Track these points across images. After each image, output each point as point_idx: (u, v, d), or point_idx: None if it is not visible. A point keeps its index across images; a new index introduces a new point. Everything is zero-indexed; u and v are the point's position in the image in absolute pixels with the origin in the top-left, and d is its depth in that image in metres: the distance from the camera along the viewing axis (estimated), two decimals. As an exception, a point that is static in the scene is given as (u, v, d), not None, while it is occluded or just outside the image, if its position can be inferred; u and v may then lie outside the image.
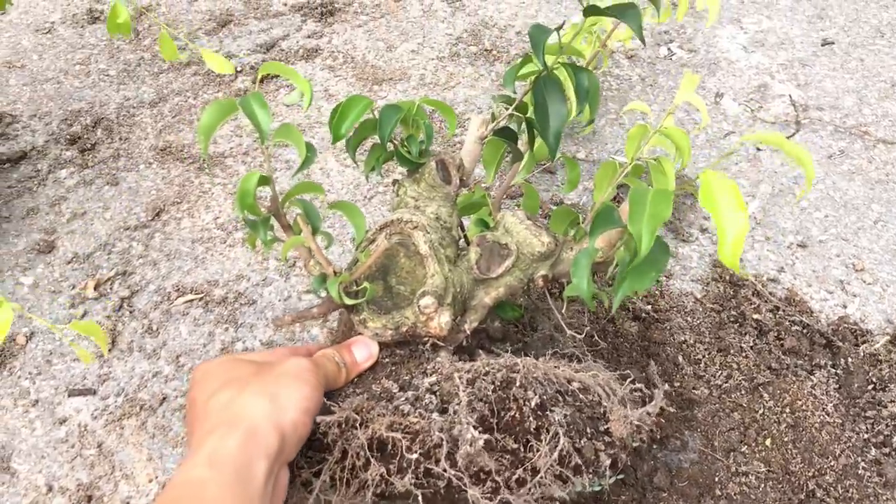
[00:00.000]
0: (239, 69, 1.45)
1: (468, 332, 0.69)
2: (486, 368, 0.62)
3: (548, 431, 0.59)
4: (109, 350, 0.98)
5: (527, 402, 0.60)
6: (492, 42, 1.54)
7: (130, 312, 1.02)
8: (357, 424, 0.59)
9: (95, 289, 1.05)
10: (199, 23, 1.54)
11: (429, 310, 0.64)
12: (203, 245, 1.11)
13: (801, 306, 1.01)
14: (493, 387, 0.60)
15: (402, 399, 0.62)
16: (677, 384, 0.91)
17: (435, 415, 0.59)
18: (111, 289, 1.05)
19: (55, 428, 0.90)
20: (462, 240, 0.79)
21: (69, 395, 0.93)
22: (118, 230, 1.14)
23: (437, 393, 0.62)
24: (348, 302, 0.66)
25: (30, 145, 1.28)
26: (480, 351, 0.70)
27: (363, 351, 0.68)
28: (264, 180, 0.65)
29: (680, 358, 0.94)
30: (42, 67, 1.46)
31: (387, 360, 0.68)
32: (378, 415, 0.60)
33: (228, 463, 0.52)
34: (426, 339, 0.66)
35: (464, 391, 0.59)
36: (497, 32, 1.57)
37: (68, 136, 1.29)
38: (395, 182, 0.73)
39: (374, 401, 0.62)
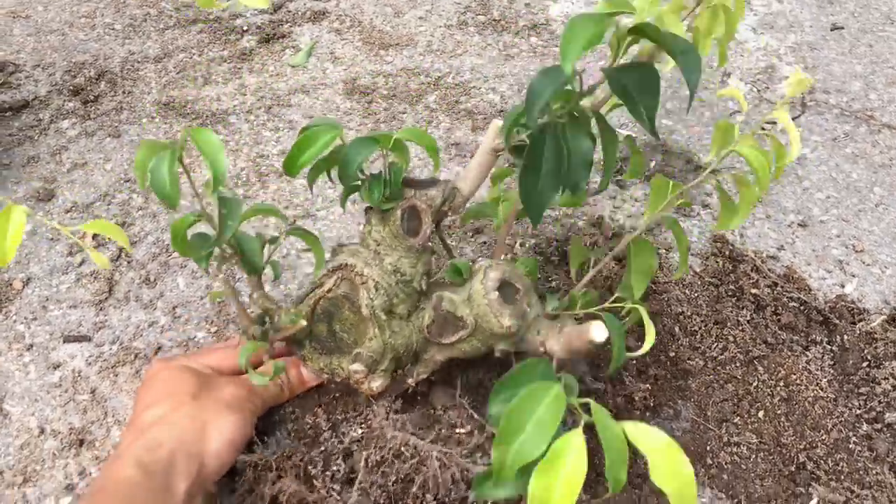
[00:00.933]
0: (245, 28, 1.44)
1: (413, 384, 0.69)
2: (400, 450, 0.63)
3: None
4: (106, 299, 0.97)
5: None
6: (500, 12, 1.53)
7: (128, 263, 1.02)
8: (270, 470, 0.65)
9: (94, 238, 1.04)
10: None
11: (358, 375, 0.64)
12: (204, 199, 1.11)
13: (799, 283, 1.01)
14: (394, 478, 0.63)
15: (319, 451, 0.67)
16: (672, 354, 0.91)
17: (336, 486, 0.64)
18: (110, 238, 1.05)
19: (49, 372, 0.90)
20: (441, 267, 0.75)
21: (64, 341, 0.93)
22: (119, 182, 1.13)
23: (351, 457, 0.67)
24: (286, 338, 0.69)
25: (32, 94, 1.27)
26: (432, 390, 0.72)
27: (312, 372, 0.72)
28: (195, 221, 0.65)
29: (676, 329, 0.94)
30: (47, 19, 1.45)
31: (333, 385, 0.72)
32: (292, 466, 0.65)
33: (159, 472, 0.57)
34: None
35: (364, 474, 0.63)
36: (506, 3, 1.56)
37: (71, 88, 1.28)
38: (366, 210, 0.67)
39: (298, 441, 0.68)
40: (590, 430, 0.45)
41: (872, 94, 1.35)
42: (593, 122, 0.56)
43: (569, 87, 0.48)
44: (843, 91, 1.36)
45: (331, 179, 0.65)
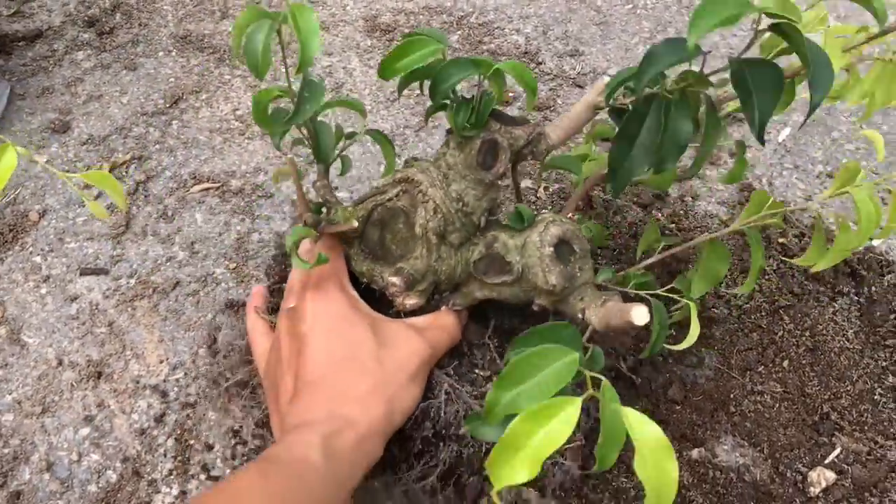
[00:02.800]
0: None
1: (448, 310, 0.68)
2: None
3: None
4: (123, 232, 0.96)
5: None
6: None
7: (145, 197, 1.01)
8: None
9: (111, 171, 1.03)
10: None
11: (395, 289, 0.62)
12: (221, 135, 1.09)
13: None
14: None
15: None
16: (698, 301, 0.90)
17: None
18: (126, 172, 1.03)
19: (66, 304, 0.89)
20: (515, 200, 0.72)
21: (81, 274, 0.92)
22: (135, 115, 1.11)
23: None
24: (347, 225, 0.64)
25: (46, 24, 1.25)
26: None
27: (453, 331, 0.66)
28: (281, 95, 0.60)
29: (701, 276, 0.92)
30: (60, -53, 1.41)
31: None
32: None
33: (345, 461, 0.51)
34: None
35: None
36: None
37: (86, 18, 1.26)
38: (447, 132, 0.64)
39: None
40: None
41: (907, 44, 1.31)
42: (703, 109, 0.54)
43: (688, 65, 0.46)
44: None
45: (422, 91, 0.61)
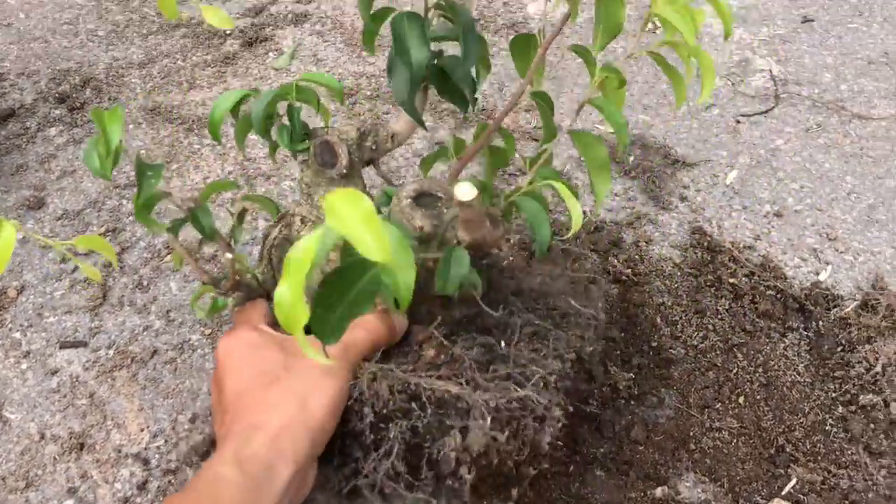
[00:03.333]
0: (228, 33, 1.45)
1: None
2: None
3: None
4: (100, 304, 0.99)
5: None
6: (479, 12, 1.55)
7: (121, 268, 1.04)
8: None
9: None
10: (187, -17, 1.54)
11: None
12: (193, 202, 1.12)
13: (775, 272, 1.04)
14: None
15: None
16: (655, 344, 0.94)
17: None
18: (101, 245, 1.06)
19: (47, 378, 0.92)
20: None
21: (61, 347, 0.95)
22: (108, 188, 1.15)
23: None
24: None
25: (18, 103, 1.28)
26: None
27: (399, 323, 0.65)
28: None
29: (658, 319, 0.97)
30: (29, 26, 1.46)
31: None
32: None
33: (257, 465, 0.51)
34: None
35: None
36: (485, 2, 1.59)
37: (57, 95, 1.30)
38: (300, 162, 0.68)
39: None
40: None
41: (843, 84, 1.39)
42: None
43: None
44: (814, 83, 1.39)
45: (243, 153, 0.73)
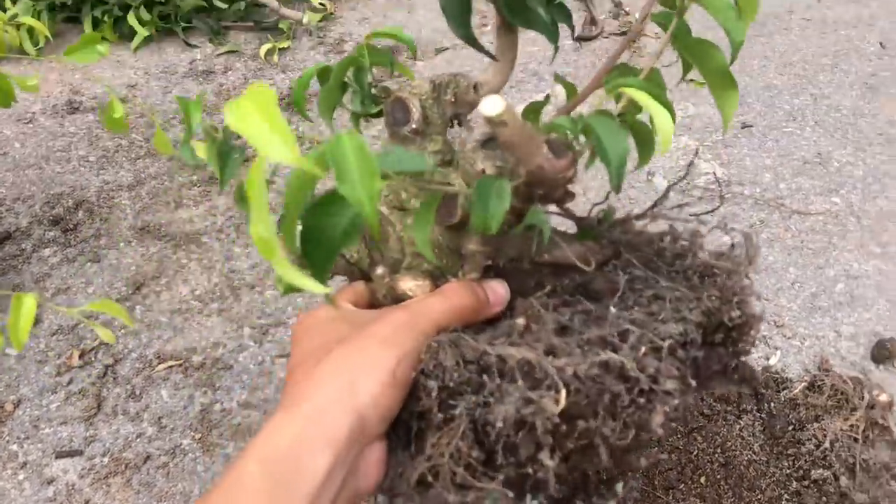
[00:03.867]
0: (211, 154, 1.56)
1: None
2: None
3: None
4: (95, 414, 1.04)
5: None
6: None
7: (114, 379, 1.09)
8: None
9: (80, 357, 1.12)
10: (174, 112, 1.65)
11: (385, 279, 0.56)
12: (181, 315, 1.20)
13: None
14: None
15: None
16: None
17: None
18: (95, 357, 1.12)
19: (43, 488, 0.96)
20: None
21: (57, 457, 0.99)
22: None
23: None
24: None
25: (14, 226, 1.36)
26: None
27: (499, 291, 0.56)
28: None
29: (622, 407, 1.04)
30: (24, 154, 1.55)
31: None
32: None
33: (278, 462, 0.45)
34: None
35: None
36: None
37: (51, 218, 1.38)
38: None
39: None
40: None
41: (782, 183, 1.51)
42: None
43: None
44: (755, 182, 1.51)
45: (331, 127, 0.58)
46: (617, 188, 0.48)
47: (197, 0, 1.87)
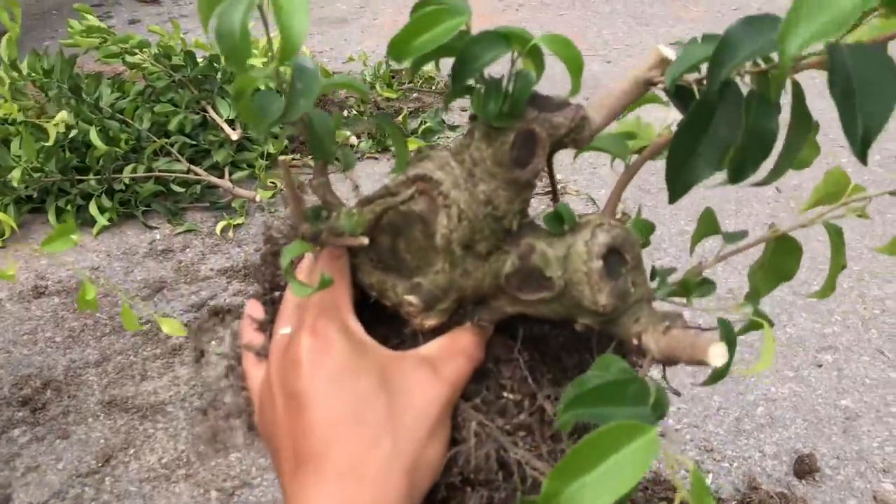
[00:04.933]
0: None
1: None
2: None
3: None
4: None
5: None
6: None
7: (87, 550, 1.14)
8: None
9: (53, 532, 1.16)
10: (136, 290, 1.76)
11: (412, 309, 0.52)
12: (150, 484, 1.25)
13: (665, 485, 1.22)
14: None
15: None
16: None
17: None
18: (68, 531, 1.17)
19: None
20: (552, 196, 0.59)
21: None
22: (71, 478, 1.27)
23: None
24: (354, 242, 0.52)
25: (-17, 408, 1.42)
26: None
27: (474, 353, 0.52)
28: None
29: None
30: (-9, 340, 1.63)
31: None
32: None
33: None
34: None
35: None
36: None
37: (20, 399, 1.44)
38: (471, 118, 0.52)
39: None
40: None
41: (700, 320, 1.66)
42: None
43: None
44: (678, 320, 1.67)
45: (438, 69, 0.52)
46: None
47: (155, 185, 2.02)
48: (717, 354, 0.41)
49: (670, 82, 0.41)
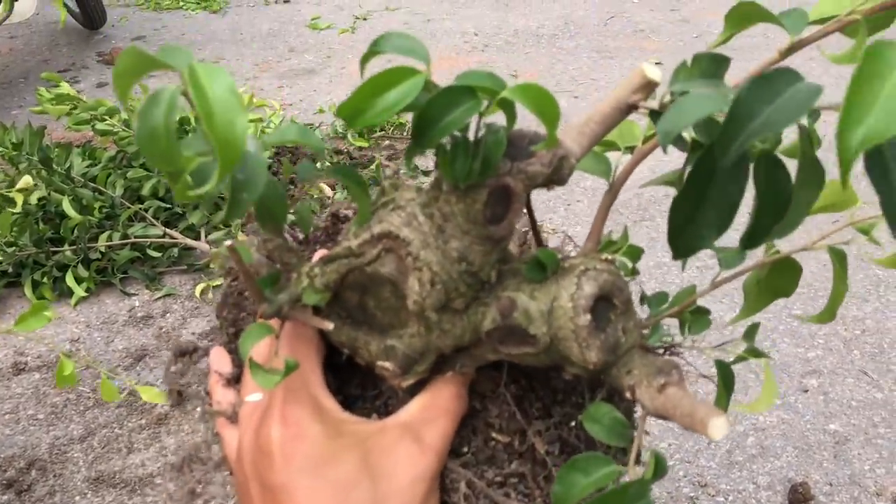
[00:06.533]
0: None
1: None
2: None
3: None
4: None
5: None
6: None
7: None
8: None
9: None
10: (118, 360, 1.74)
11: (387, 372, 0.48)
12: (142, 561, 1.23)
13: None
14: None
15: None
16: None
17: None
18: None
19: None
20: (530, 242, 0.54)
21: None
22: (60, 561, 1.24)
23: None
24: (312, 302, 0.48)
25: (-33, 497, 1.39)
26: None
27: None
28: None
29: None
30: (-28, 421, 1.60)
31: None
32: None
33: None
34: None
35: None
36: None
37: (4, 482, 1.41)
38: (437, 166, 0.46)
39: None
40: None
41: (685, 351, 1.67)
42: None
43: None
44: (662, 354, 1.68)
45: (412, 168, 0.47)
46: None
47: (131, 252, 2.02)
48: (717, 427, 0.38)
49: (664, 142, 0.36)
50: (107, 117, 2.18)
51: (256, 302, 0.47)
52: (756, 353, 0.53)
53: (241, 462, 0.47)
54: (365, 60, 0.40)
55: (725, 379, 0.49)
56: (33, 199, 1.98)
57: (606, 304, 0.44)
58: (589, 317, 0.42)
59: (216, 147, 0.30)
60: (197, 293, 1.95)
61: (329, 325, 0.47)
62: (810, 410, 1.47)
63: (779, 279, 0.53)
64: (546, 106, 0.38)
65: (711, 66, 0.39)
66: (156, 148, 0.31)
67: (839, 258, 0.50)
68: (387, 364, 0.47)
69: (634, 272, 0.54)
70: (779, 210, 0.36)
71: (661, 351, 0.51)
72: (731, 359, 0.54)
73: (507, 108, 0.39)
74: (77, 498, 1.37)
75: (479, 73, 0.39)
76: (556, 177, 0.43)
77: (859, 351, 1.63)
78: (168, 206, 2.13)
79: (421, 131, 0.39)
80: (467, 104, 0.38)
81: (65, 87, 2.24)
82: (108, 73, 3.58)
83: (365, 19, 4.08)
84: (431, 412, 0.47)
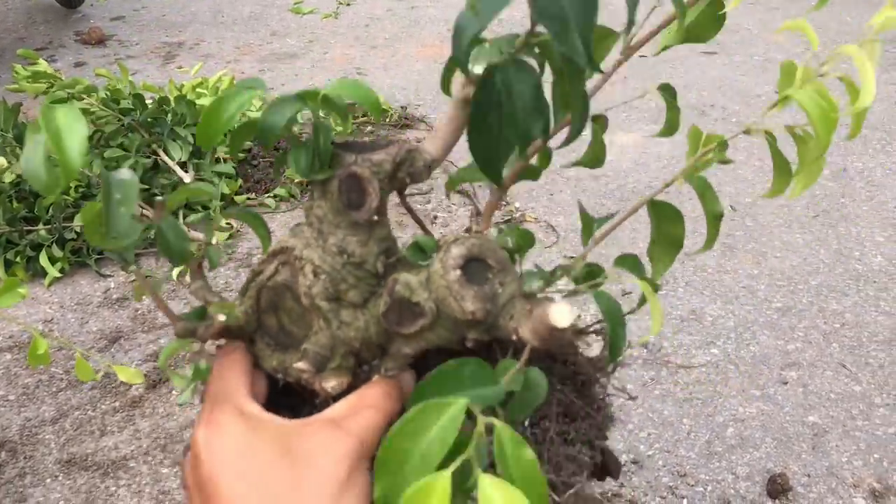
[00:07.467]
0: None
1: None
2: None
3: None
4: None
5: None
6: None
7: None
8: None
9: None
10: (92, 342, 1.71)
11: (305, 375, 0.52)
12: (114, 545, 1.21)
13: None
14: None
15: None
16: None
17: None
18: None
19: None
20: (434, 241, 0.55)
21: None
22: (30, 544, 1.22)
23: None
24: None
25: (-66, 479, 1.36)
26: None
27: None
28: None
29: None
30: (-60, 402, 1.56)
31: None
32: None
33: None
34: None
35: None
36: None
37: (-28, 464, 1.38)
38: (308, 183, 0.53)
39: None
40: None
41: (665, 342, 1.67)
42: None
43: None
44: (641, 344, 1.67)
45: (255, 146, 0.52)
46: (613, 359, 0.54)
47: (108, 232, 1.98)
48: (560, 314, 0.41)
49: (443, 84, 0.49)
50: (84, 96, 2.14)
51: (172, 321, 0.54)
52: (643, 279, 0.54)
53: (186, 481, 0.50)
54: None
55: (610, 310, 0.52)
56: (7, 178, 1.94)
57: (481, 265, 0.48)
58: (459, 272, 0.47)
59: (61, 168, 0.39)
60: (174, 276, 1.92)
61: (221, 318, 0.52)
62: (789, 402, 1.48)
63: (667, 230, 0.58)
64: (363, 94, 0.47)
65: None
66: (40, 183, 0.39)
67: (702, 184, 0.55)
68: (301, 365, 0.51)
69: (525, 248, 0.58)
70: (533, 109, 0.43)
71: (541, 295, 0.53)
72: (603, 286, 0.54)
73: (332, 105, 0.46)
74: (48, 480, 1.35)
75: (347, 81, 0.47)
76: (411, 169, 0.50)
77: (838, 344, 1.63)
78: (146, 187, 2.10)
79: (263, 137, 0.46)
80: (294, 107, 0.46)
81: (42, 65, 2.20)
82: (86, 52, 3.52)
83: (348, 4, 4.04)
84: (356, 407, 0.49)
